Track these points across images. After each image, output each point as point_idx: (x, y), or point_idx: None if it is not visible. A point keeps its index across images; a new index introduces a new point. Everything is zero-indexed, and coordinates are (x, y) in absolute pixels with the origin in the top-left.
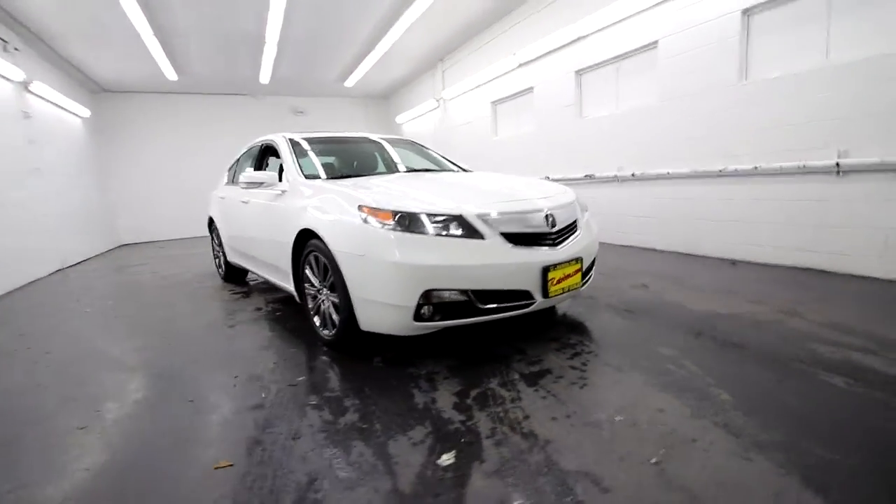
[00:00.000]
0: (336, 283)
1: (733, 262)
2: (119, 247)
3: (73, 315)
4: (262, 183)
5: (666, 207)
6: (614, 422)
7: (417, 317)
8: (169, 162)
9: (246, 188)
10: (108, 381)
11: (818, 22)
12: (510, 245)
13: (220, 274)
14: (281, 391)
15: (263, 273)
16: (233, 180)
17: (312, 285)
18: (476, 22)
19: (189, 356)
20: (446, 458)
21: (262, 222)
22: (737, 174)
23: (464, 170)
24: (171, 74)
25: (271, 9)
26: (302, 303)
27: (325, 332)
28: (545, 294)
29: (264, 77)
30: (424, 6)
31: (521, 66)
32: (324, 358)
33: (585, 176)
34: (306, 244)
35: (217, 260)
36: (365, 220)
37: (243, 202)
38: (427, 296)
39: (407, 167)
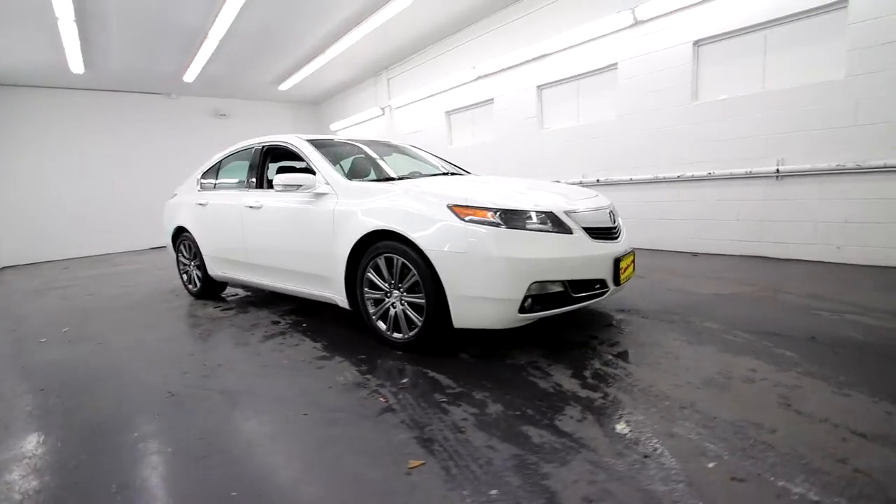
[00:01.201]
0: (423, 282)
1: (695, 254)
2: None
3: (30, 349)
4: (300, 186)
5: (630, 209)
6: (728, 381)
7: (521, 309)
8: (65, 169)
9: (256, 193)
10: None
11: (756, 56)
12: (590, 238)
13: (190, 290)
14: (397, 393)
15: (279, 284)
16: (215, 185)
17: (378, 289)
18: (429, 33)
19: (283, 386)
20: (623, 427)
21: (290, 228)
22: (693, 179)
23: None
24: (77, 66)
25: (228, 1)
26: (352, 309)
27: (397, 335)
28: (617, 282)
29: (190, 75)
30: (388, 16)
31: (480, 78)
32: (407, 360)
33: (552, 182)
34: (367, 249)
35: (186, 275)
36: (463, 219)
37: (250, 207)
38: (531, 288)
39: (417, 171)
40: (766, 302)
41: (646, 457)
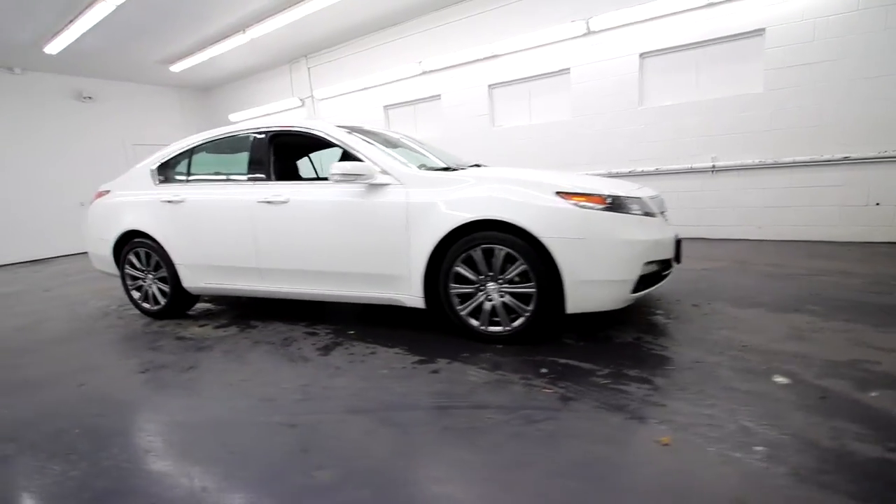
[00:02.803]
0: (533, 270)
1: None
2: None
3: None
4: (359, 176)
5: None
6: (802, 333)
7: (633, 289)
8: None
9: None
10: None
11: (690, 70)
12: (664, 221)
13: (145, 310)
14: (554, 383)
15: (313, 289)
16: (188, 178)
17: (467, 283)
18: (363, 23)
19: (417, 395)
20: (780, 379)
21: (339, 224)
22: (643, 174)
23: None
24: None
25: None
26: (429, 309)
27: (494, 329)
28: (678, 260)
29: (55, 46)
30: (319, 6)
31: (425, 73)
32: (520, 353)
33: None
34: (453, 242)
35: (138, 292)
36: (577, 206)
37: (266, 202)
38: (643, 268)
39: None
40: (745, 272)
41: (823, 398)
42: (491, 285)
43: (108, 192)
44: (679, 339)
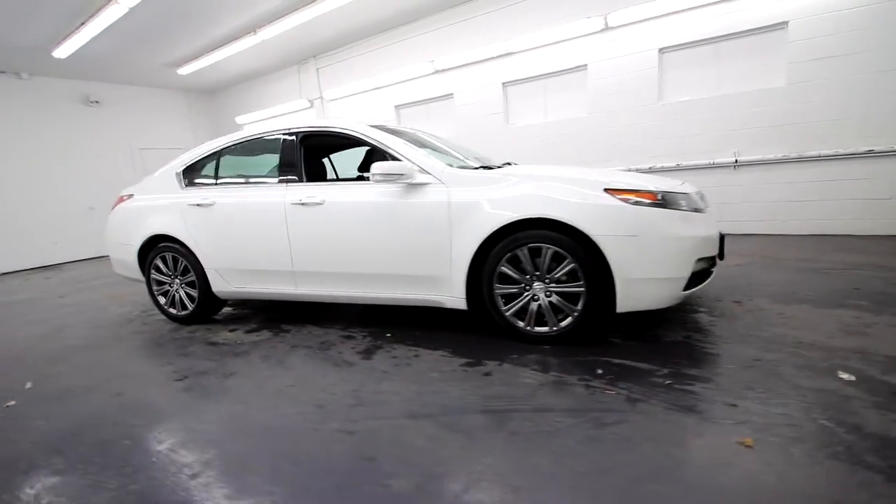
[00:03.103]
0: (582, 269)
1: None
2: None
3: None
4: (400, 175)
5: None
6: (853, 328)
7: (685, 286)
8: None
9: (305, 187)
10: None
11: (712, 64)
12: (711, 217)
13: (172, 315)
14: (613, 384)
15: (350, 291)
16: (217, 181)
17: (513, 283)
18: (373, 23)
19: (474, 400)
20: (845, 375)
21: (378, 225)
22: (663, 170)
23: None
24: None
25: None
26: (471, 310)
27: (541, 329)
28: (721, 257)
29: (64, 51)
30: (329, 7)
31: (437, 72)
32: (570, 353)
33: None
34: (497, 242)
35: (164, 297)
36: (627, 202)
37: (300, 204)
38: (695, 265)
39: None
40: (777, 268)
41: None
42: (537, 285)
43: (130, 196)
44: (730, 338)
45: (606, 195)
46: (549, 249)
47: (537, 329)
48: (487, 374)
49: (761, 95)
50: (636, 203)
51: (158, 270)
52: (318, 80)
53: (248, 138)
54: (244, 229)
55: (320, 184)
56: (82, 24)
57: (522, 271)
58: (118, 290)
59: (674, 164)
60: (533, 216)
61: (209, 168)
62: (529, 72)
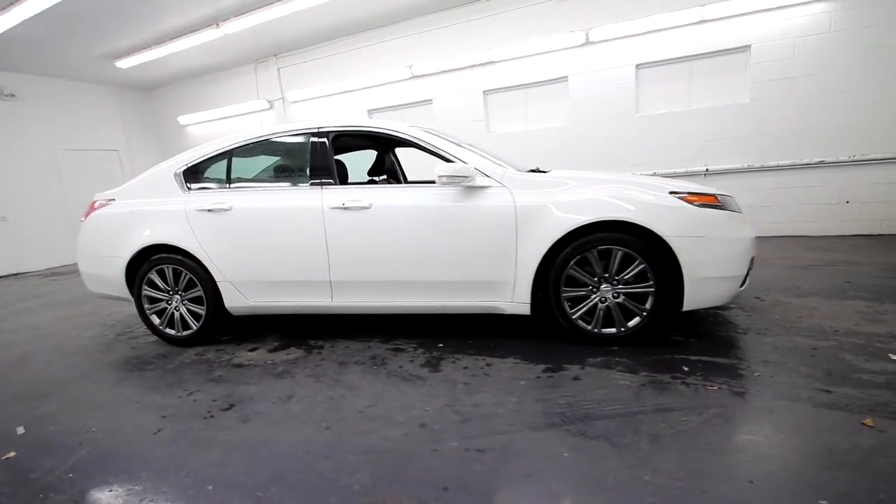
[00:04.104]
0: (653, 270)
1: None
2: None
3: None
4: (465, 178)
5: None
6: (871, 316)
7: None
8: None
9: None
10: None
11: (685, 81)
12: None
13: (170, 336)
14: (705, 379)
15: (397, 301)
16: (230, 184)
17: (580, 286)
18: (344, 25)
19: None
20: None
21: (437, 229)
22: None
23: None
24: None
25: None
26: (533, 315)
27: (608, 330)
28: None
29: None
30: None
31: (415, 77)
32: (640, 353)
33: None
34: (565, 245)
35: (158, 317)
36: (693, 205)
37: (342, 208)
38: (749, 263)
39: None
40: (767, 266)
41: None
42: (605, 286)
43: (110, 201)
44: (774, 330)
45: (673, 198)
46: (619, 251)
47: (605, 330)
48: (576, 378)
49: (728, 111)
50: (701, 205)
51: (153, 286)
52: (280, 81)
53: (264, 137)
54: (269, 236)
55: (361, 187)
56: (10, 4)
57: (590, 274)
58: (65, 312)
59: (651, 173)
60: (608, 219)
61: (218, 169)
62: (511, 81)
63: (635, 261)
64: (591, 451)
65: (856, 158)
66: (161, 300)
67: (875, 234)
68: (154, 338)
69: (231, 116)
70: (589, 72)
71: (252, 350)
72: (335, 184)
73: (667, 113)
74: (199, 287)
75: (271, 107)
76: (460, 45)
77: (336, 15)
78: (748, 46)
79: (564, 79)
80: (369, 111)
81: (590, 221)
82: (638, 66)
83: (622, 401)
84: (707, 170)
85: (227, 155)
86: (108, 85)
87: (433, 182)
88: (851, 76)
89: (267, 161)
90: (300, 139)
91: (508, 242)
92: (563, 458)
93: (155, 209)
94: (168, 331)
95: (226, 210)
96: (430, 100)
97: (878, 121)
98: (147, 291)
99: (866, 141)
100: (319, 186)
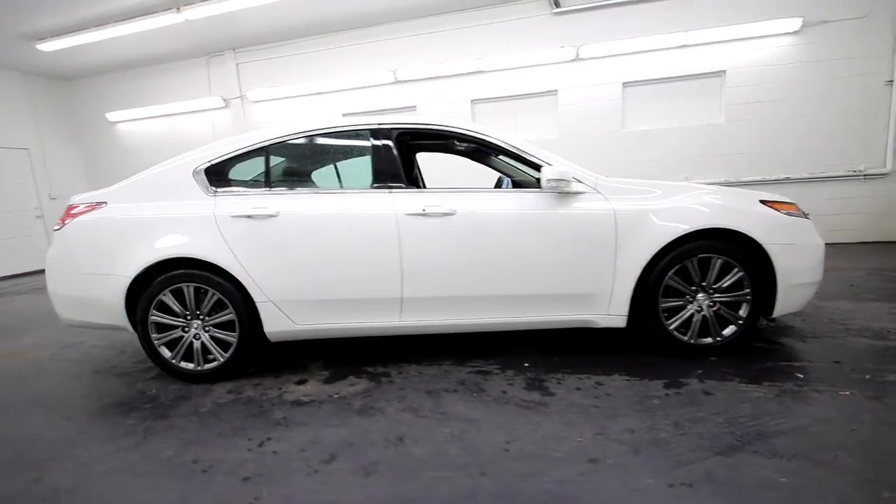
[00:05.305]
0: (749, 277)
1: None
2: None
3: None
4: (568, 182)
5: None
6: None
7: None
8: None
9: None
10: None
11: (667, 100)
12: None
13: (185, 372)
14: (833, 386)
15: (479, 318)
16: (269, 184)
17: (678, 296)
18: (324, 21)
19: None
20: None
21: (530, 239)
22: None
23: None
24: None
25: None
26: (628, 328)
27: (705, 340)
28: None
29: None
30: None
31: (399, 82)
32: (745, 362)
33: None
34: (664, 253)
35: (169, 348)
36: (781, 213)
37: (421, 214)
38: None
39: None
40: None
41: None
42: (701, 296)
43: (101, 204)
44: (835, 333)
45: (765, 207)
46: (717, 259)
47: (701, 341)
48: (707, 393)
49: (706, 130)
50: (787, 213)
51: (165, 310)
52: (239, 77)
53: (312, 132)
54: (327, 248)
55: (440, 191)
56: None
57: (688, 283)
58: None
59: None
60: (711, 227)
61: (253, 168)
62: (500, 91)
63: (733, 269)
64: (805, 473)
65: (815, 176)
66: (175, 327)
67: (831, 242)
68: (151, 373)
69: (175, 114)
70: (578, 87)
71: (301, 383)
72: (405, 187)
73: (650, 129)
74: (231, 309)
75: (227, 105)
76: (448, 53)
77: (315, 9)
78: (724, 71)
79: (554, 92)
80: (345, 115)
81: (695, 229)
82: (625, 83)
83: (776, 414)
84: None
85: (263, 152)
86: (17, 71)
87: (500, 187)
88: (810, 103)
89: (314, 160)
90: (358, 136)
91: (607, 252)
92: (783, 483)
93: (170, 215)
94: (184, 365)
95: (270, 216)
96: (414, 106)
97: (832, 144)
98: (156, 317)
99: (822, 161)
100: (387, 190)
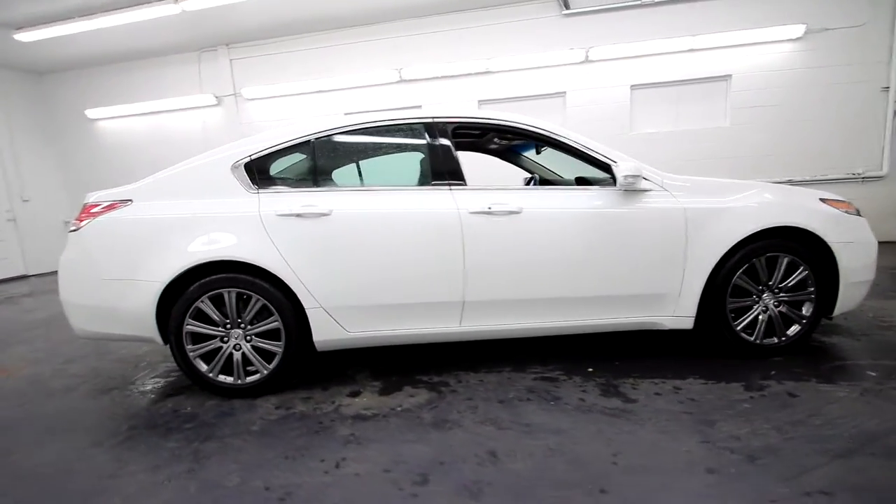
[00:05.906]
0: (813, 276)
1: None
2: None
3: None
4: (640, 179)
5: None
6: None
7: None
8: None
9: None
10: None
11: (674, 103)
12: None
13: (226, 385)
14: None
15: (540, 322)
16: (316, 181)
17: (745, 296)
18: (327, 18)
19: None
20: None
21: (600, 237)
22: None
23: None
24: None
25: None
26: (695, 329)
27: (769, 340)
28: None
29: None
30: None
31: (404, 81)
32: (813, 361)
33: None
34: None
35: (205, 360)
36: (839, 210)
37: (486, 213)
38: None
39: None
40: None
41: None
42: (766, 295)
43: (126, 202)
44: (882, 331)
45: (822, 204)
46: (784, 258)
47: (766, 341)
48: (792, 394)
49: (711, 133)
50: (846, 212)
51: (203, 319)
52: (233, 74)
53: (360, 125)
54: (386, 249)
55: (504, 189)
56: None
57: (755, 282)
58: None
59: None
60: (779, 225)
61: (298, 164)
62: (507, 92)
63: (798, 267)
64: None
65: (816, 178)
66: (213, 337)
67: None
68: (176, 387)
69: (162, 112)
70: (587, 89)
71: (354, 395)
72: (464, 184)
73: (657, 132)
74: (277, 316)
75: (219, 103)
76: (455, 52)
77: (317, 6)
78: (729, 76)
79: (562, 94)
80: (347, 115)
81: (765, 227)
82: (633, 86)
83: (870, 413)
84: None
85: (308, 146)
86: None
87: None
88: (811, 108)
89: (363, 155)
90: (411, 131)
91: (678, 251)
92: None
93: (208, 214)
94: (223, 378)
95: (323, 215)
96: (420, 106)
97: (832, 147)
98: (192, 327)
99: (822, 163)
100: (447, 187)
